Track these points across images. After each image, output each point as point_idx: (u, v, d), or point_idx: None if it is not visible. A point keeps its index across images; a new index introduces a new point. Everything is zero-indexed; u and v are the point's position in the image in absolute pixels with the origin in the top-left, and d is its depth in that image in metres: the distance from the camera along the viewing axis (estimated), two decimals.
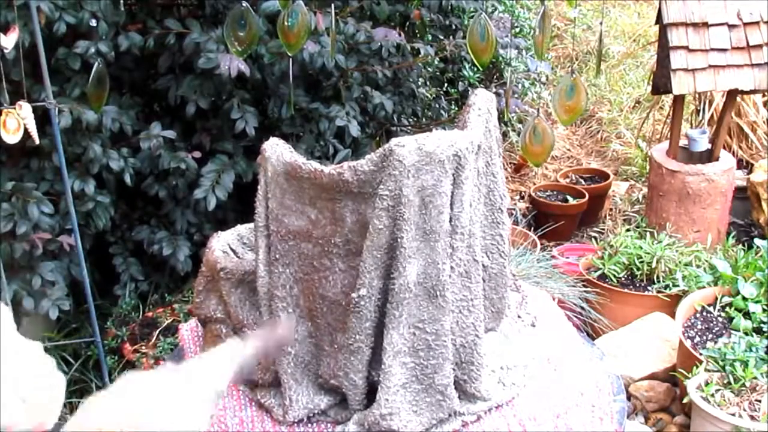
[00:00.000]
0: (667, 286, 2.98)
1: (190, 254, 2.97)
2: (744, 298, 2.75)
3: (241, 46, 2.33)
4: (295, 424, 1.53)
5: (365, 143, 3.31)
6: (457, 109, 4.27)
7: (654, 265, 3.02)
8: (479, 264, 1.53)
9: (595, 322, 2.94)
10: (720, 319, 2.74)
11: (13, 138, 2.15)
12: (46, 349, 1.11)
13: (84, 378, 2.81)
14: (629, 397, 2.63)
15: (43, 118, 2.40)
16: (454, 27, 3.78)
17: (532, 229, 3.60)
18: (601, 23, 2.26)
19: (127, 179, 2.81)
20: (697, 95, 4.24)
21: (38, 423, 1.00)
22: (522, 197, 4.35)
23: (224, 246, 1.79)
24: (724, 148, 3.56)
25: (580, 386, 1.67)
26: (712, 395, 2.29)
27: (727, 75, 3.13)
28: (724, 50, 3.12)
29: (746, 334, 2.57)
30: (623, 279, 3.10)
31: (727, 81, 3.14)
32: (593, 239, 3.67)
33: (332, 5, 2.43)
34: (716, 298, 2.81)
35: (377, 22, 3.21)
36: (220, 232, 1.84)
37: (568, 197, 4.00)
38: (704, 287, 2.89)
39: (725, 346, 2.44)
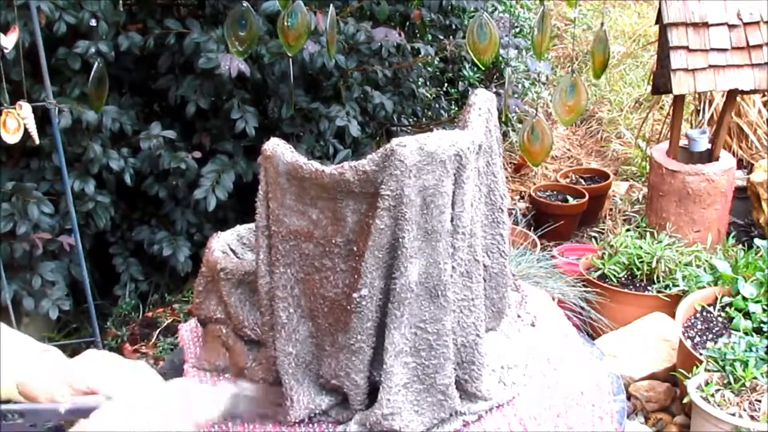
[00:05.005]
0: (667, 286, 2.98)
1: (190, 254, 2.97)
2: (744, 298, 2.75)
3: (241, 46, 2.32)
4: (296, 425, 1.52)
5: (365, 143, 3.31)
6: (457, 109, 4.27)
7: (654, 265, 3.02)
8: (480, 264, 1.53)
9: (595, 322, 2.94)
10: (720, 319, 2.74)
11: (13, 138, 2.15)
12: None
13: None
14: (629, 397, 2.63)
15: (43, 118, 2.40)
16: (454, 27, 3.78)
17: (532, 229, 3.60)
18: (602, 24, 2.25)
19: (127, 179, 2.81)
20: (697, 95, 4.24)
21: None
22: (522, 197, 4.35)
23: (224, 246, 1.78)
24: (724, 148, 3.55)
25: (581, 386, 1.67)
26: (712, 395, 2.29)
27: (727, 75, 3.13)
28: (724, 50, 3.12)
29: (746, 334, 2.57)
30: (623, 279, 3.09)
31: (727, 81, 3.14)
32: (593, 239, 3.67)
33: (332, 5, 2.43)
34: (716, 298, 2.82)
35: (377, 22, 3.21)
36: (220, 232, 1.83)
37: (568, 197, 4.00)
38: (704, 287, 2.89)
39: (725, 346, 2.44)
